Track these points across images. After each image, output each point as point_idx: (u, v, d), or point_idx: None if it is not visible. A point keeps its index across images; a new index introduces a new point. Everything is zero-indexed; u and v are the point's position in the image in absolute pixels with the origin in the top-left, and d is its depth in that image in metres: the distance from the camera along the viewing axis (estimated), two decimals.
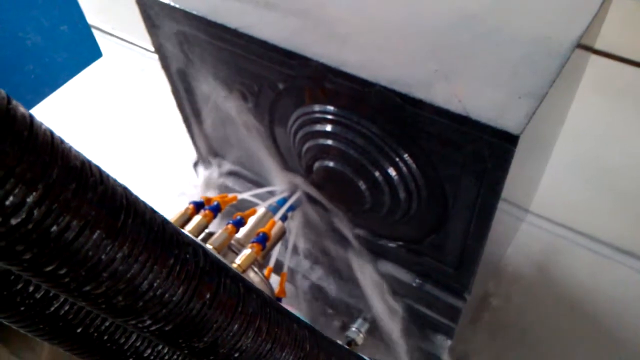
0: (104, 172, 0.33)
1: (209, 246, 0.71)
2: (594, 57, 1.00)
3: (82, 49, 0.65)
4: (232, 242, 0.76)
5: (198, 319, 0.37)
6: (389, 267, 0.93)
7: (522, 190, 1.00)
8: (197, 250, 0.38)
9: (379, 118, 0.70)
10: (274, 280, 0.78)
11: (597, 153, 1.35)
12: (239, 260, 0.72)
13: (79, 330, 0.40)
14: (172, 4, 0.78)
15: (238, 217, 0.77)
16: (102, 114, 1.66)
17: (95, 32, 0.68)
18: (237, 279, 0.41)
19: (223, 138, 1.02)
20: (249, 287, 0.42)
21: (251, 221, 0.81)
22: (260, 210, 0.83)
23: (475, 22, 0.72)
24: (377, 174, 0.76)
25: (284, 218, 0.84)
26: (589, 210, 1.28)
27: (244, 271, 0.71)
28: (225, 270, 0.40)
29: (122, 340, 0.42)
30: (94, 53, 0.68)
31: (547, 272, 1.21)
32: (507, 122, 0.58)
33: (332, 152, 0.78)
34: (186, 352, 0.39)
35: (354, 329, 0.95)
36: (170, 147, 1.42)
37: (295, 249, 1.00)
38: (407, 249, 0.88)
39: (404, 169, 0.73)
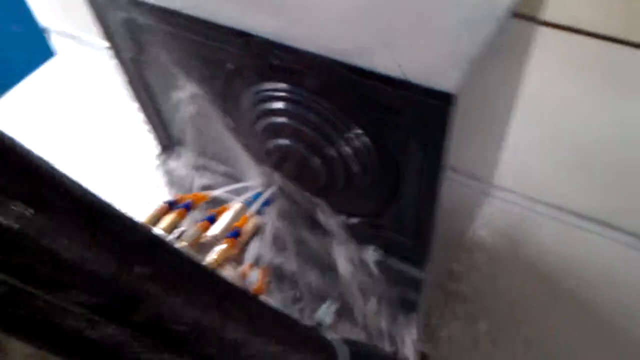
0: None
1: (183, 243, 0.71)
2: (545, 29, 1.01)
3: (34, 49, 0.64)
4: (208, 238, 0.76)
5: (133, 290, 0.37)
6: (353, 245, 0.93)
7: (476, 160, 1.01)
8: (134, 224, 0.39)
9: (328, 92, 0.71)
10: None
11: (563, 125, 1.36)
12: (214, 255, 0.71)
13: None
14: None
15: (212, 214, 0.77)
16: (58, 112, 1.61)
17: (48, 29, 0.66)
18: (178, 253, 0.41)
19: (184, 127, 1.02)
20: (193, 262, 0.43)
21: (227, 217, 0.80)
22: (235, 205, 0.82)
23: None
24: (329, 148, 0.76)
25: (259, 212, 0.83)
26: (556, 182, 1.29)
27: (220, 266, 0.71)
28: (165, 244, 0.41)
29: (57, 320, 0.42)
30: (47, 52, 0.67)
31: (516, 243, 1.22)
32: (444, 82, 0.59)
33: (285, 129, 0.78)
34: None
35: (323, 308, 0.95)
36: (132, 140, 1.41)
37: (270, 241, 1.00)
38: (368, 224, 0.89)
39: (356, 141, 0.74)
